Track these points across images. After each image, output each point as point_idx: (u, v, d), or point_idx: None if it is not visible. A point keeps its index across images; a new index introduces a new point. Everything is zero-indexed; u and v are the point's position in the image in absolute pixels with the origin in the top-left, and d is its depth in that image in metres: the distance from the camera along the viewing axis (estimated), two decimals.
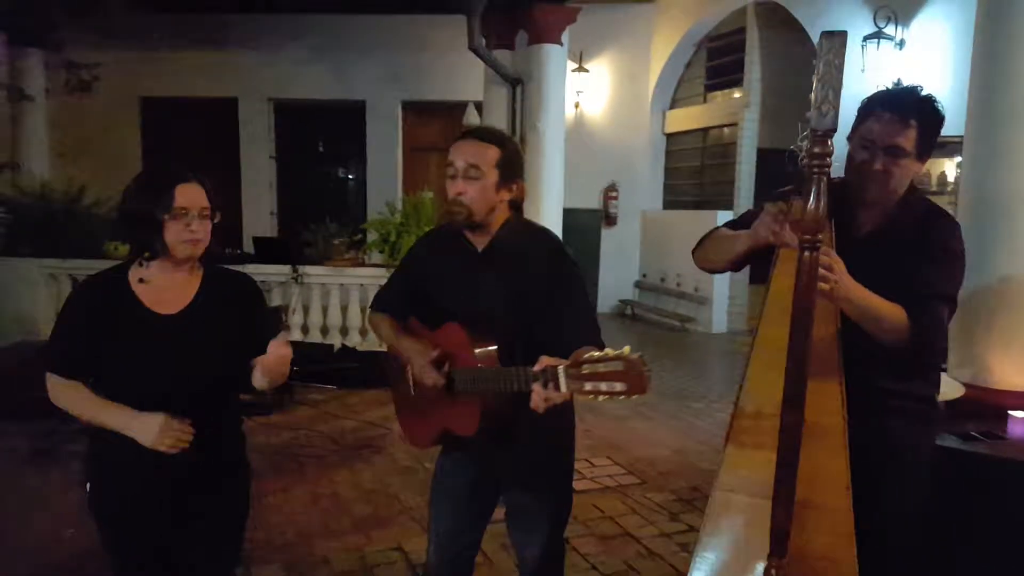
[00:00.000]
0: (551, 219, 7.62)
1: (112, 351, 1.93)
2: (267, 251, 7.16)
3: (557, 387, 1.67)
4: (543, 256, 2.06)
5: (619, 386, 1.59)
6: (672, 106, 10.49)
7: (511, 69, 7.69)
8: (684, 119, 10.27)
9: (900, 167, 1.87)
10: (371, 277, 6.56)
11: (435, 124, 9.40)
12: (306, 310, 6.80)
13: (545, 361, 1.71)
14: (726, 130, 9.57)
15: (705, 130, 10.01)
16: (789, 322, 1.55)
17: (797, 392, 1.56)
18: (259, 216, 9.45)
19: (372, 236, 6.75)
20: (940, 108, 1.89)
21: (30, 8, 6.36)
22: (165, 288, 1.99)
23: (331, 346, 6.63)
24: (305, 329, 6.78)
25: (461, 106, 8.66)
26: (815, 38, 7.24)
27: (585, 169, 9.76)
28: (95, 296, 1.99)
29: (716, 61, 9.73)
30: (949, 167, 6.37)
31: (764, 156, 8.91)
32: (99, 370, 1.95)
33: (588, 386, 1.63)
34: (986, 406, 3.24)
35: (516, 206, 2.13)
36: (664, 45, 10.01)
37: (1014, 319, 3.53)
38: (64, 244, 6.89)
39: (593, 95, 10.13)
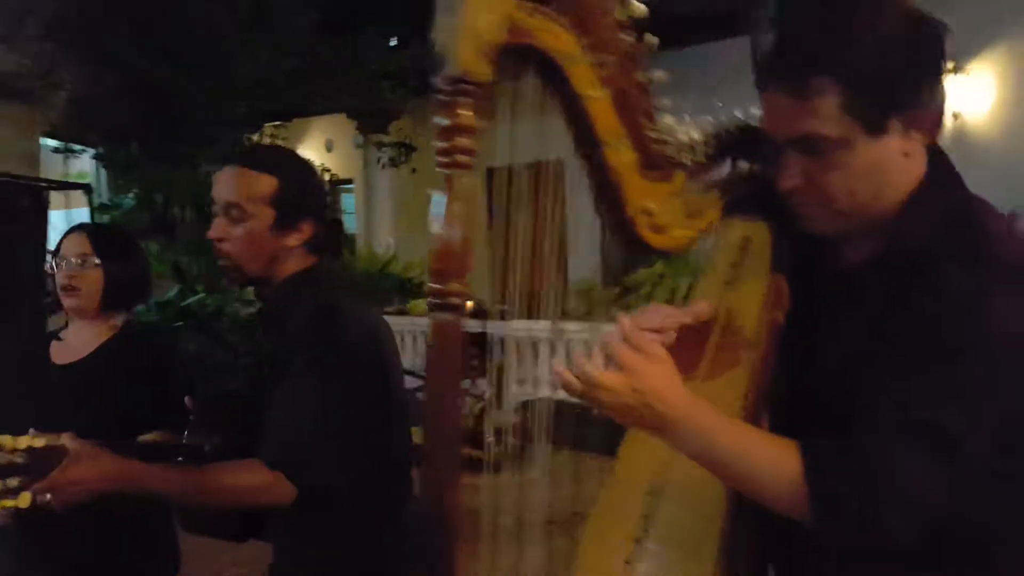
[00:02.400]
0: None
1: (8, 397, 1.90)
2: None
3: None
4: (301, 323, 1.52)
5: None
6: None
7: None
8: None
9: (838, 167, 0.96)
10: None
11: None
12: None
13: None
14: None
15: None
16: None
17: None
18: (580, 270, 9.32)
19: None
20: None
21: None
22: (71, 339, 1.97)
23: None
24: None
25: None
26: None
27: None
28: (16, 348, 2.09)
29: None
30: None
31: None
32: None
33: None
34: None
35: (318, 251, 1.60)
36: None
37: None
38: (377, 301, 7.62)
39: (976, 102, 7.94)
